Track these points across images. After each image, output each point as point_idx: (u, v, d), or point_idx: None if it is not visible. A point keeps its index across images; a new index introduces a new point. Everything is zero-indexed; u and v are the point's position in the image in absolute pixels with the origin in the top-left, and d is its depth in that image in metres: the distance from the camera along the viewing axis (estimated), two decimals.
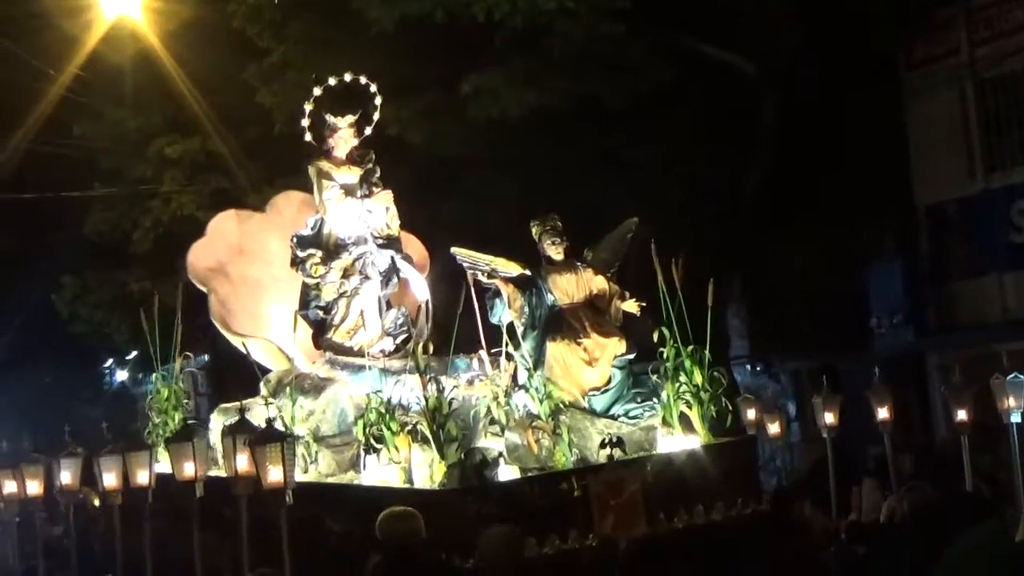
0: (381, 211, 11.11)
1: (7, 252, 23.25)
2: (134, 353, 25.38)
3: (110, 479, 9.17)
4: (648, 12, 15.39)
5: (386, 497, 8.24)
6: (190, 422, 10.60)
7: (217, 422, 10.29)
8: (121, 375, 31.37)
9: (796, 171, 17.46)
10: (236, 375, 10.98)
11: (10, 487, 11.04)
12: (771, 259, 18.87)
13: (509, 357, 10.36)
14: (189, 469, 8.67)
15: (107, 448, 9.35)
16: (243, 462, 8.13)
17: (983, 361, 13.49)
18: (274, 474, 7.86)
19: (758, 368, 21.40)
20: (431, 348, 9.95)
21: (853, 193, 17.88)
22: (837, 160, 17.74)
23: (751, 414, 12.37)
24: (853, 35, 16.85)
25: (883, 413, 11.46)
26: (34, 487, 10.67)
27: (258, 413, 9.36)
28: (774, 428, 12.43)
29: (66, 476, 10.29)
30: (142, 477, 8.97)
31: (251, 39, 17.26)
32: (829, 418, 11.78)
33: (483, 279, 10.56)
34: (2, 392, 25.66)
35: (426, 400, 9.20)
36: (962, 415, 10.93)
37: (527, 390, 9.97)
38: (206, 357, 19.38)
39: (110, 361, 30.64)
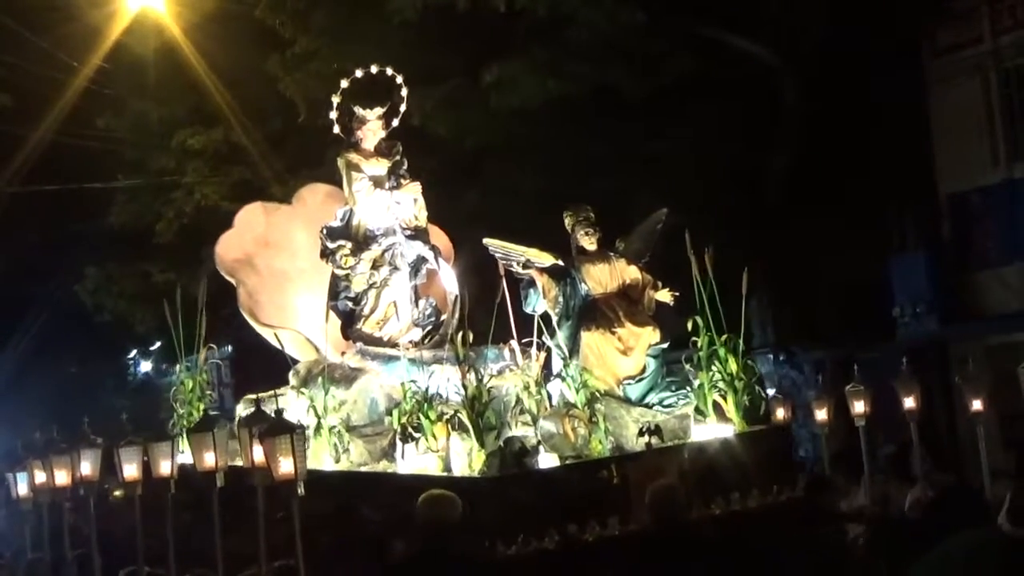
0: (409, 202, 11.14)
1: (32, 243, 23.36)
2: (158, 344, 25.48)
3: (131, 470, 9.18)
4: (670, 1, 15.36)
5: (429, 486, 8.26)
6: (212, 413, 10.62)
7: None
8: (145, 366, 31.48)
9: (819, 161, 17.39)
10: (259, 366, 11.00)
11: (40, 477, 11.13)
12: (794, 248, 18.81)
13: (540, 347, 10.37)
14: (210, 459, 8.69)
15: (127, 439, 9.37)
16: (259, 453, 8.15)
17: (1008, 350, 13.44)
18: (285, 465, 7.82)
19: (780, 358, 21.31)
20: (470, 338, 9.87)
21: (876, 182, 17.82)
22: (860, 149, 17.66)
23: (780, 413, 12.34)
24: (876, 22, 16.78)
25: (910, 402, 11.33)
26: (62, 477, 10.72)
27: (288, 403, 9.42)
28: (821, 415, 12.32)
29: (86, 467, 10.33)
30: (164, 468, 8.98)
31: (274, 29, 17.29)
32: (860, 407, 11.62)
33: (518, 269, 10.59)
34: (29, 382, 25.76)
35: (465, 389, 9.22)
36: (977, 405, 10.83)
37: (563, 379, 10.00)
38: (230, 348, 19.45)
39: (134, 352, 30.75)
